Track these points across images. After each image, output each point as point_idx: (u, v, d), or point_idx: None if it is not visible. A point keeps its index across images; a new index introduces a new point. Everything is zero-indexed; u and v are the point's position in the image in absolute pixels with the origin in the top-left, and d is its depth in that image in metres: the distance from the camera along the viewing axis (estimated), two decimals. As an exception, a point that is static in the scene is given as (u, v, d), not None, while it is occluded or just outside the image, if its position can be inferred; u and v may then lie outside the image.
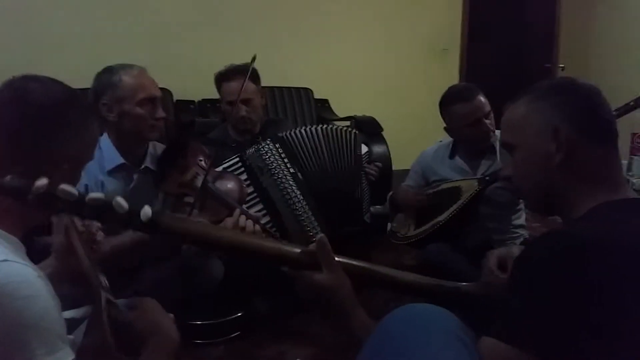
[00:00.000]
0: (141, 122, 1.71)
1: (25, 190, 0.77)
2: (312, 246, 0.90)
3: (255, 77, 2.23)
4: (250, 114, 2.21)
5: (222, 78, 2.25)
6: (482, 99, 2.00)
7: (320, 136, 2.07)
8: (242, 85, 1.91)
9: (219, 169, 1.90)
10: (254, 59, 2.09)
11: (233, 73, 2.21)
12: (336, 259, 0.91)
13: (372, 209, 2.26)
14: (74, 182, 0.98)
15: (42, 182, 0.76)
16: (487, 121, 2.00)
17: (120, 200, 0.80)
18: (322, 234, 0.89)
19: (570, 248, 0.73)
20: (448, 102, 2.05)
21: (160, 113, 1.75)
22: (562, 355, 0.69)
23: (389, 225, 2.32)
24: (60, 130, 0.92)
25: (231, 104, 2.19)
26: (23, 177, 0.88)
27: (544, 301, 0.70)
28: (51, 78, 0.96)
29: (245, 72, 2.14)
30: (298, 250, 0.91)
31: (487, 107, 2.00)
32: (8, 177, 0.78)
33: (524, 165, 0.96)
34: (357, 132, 2.17)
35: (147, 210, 0.82)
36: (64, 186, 0.77)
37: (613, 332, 0.69)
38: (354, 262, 0.95)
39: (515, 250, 1.08)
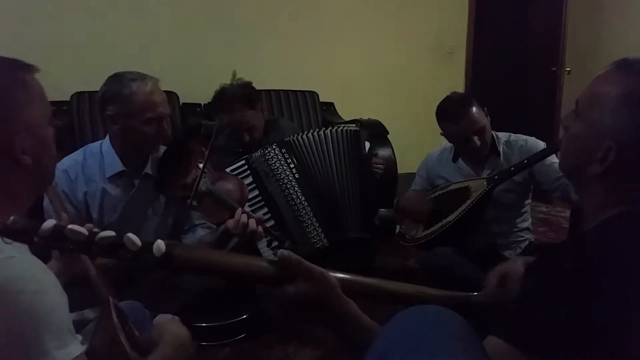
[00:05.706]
0: (144, 140, 1.68)
1: (31, 233, 0.73)
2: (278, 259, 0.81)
3: (253, 101, 2.21)
4: (255, 135, 2.21)
5: (220, 107, 2.22)
6: (473, 115, 1.93)
7: (329, 139, 2.07)
8: None
9: (225, 171, 1.91)
10: (234, 74, 2.10)
11: (233, 102, 2.17)
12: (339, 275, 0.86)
13: (379, 211, 2.26)
14: (40, 147, 0.92)
15: (49, 224, 0.73)
16: (476, 138, 1.95)
17: (132, 237, 0.75)
18: (281, 250, 0.80)
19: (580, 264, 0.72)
20: (438, 117, 2.04)
21: (166, 131, 1.70)
22: None
23: (397, 227, 2.30)
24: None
25: (237, 132, 2.20)
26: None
27: (558, 312, 0.70)
28: None
29: (245, 99, 2.15)
30: (268, 264, 0.81)
31: (478, 124, 1.94)
32: (11, 219, 0.74)
33: (573, 142, 0.88)
34: (358, 129, 2.15)
35: (160, 245, 0.75)
36: (73, 226, 0.74)
37: (621, 353, 0.68)
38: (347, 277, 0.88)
39: (516, 266, 1.06)
